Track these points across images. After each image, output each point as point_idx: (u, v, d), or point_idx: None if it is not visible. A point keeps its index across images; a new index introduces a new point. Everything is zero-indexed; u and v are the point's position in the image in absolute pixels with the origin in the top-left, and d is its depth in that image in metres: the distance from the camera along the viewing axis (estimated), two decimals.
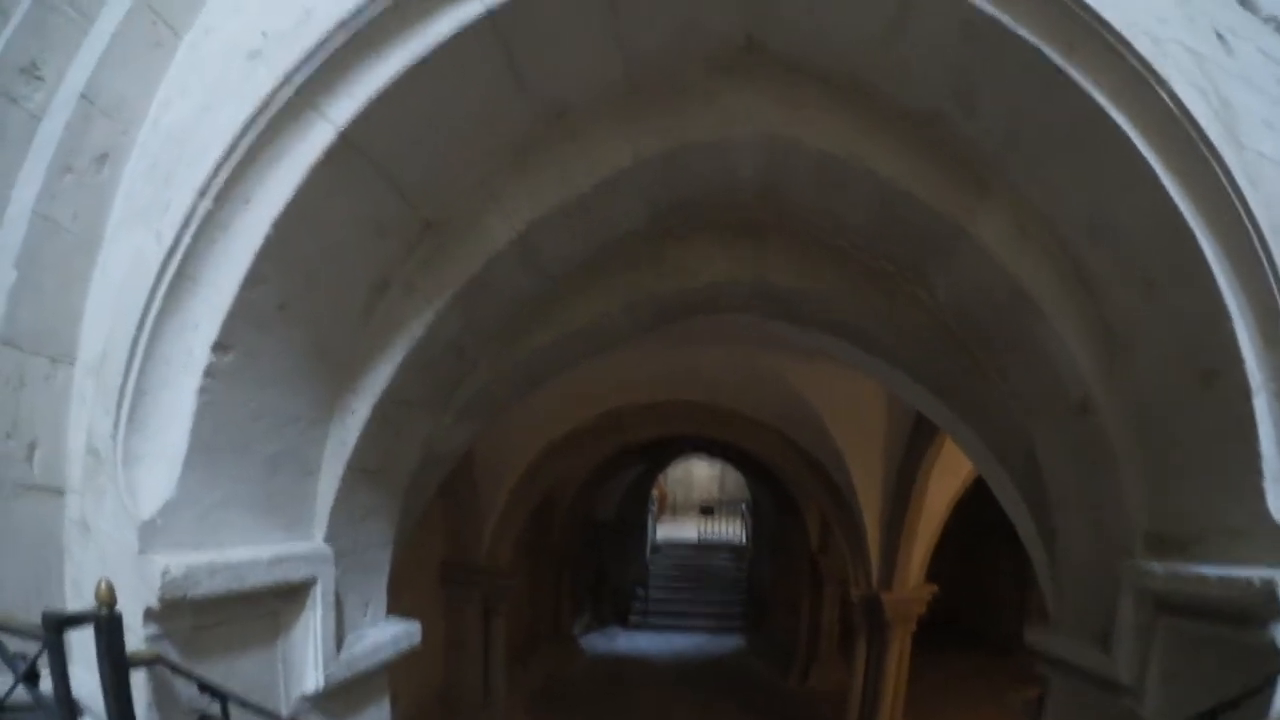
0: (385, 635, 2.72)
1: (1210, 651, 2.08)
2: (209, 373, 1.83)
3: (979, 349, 3.07)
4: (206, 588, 1.81)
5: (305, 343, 2.10)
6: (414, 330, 2.37)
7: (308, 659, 2.26)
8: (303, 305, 2.02)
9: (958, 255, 2.61)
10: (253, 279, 1.83)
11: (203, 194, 1.74)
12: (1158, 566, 2.25)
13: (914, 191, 2.43)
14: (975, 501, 8.48)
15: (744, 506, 21.26)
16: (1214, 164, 1.81)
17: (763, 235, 3.10)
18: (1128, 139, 1.88)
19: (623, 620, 16.99)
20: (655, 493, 20.36)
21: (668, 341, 6.53)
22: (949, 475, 8.16)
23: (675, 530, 22.89)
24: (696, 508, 26.02)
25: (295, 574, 2.15)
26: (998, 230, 2.42)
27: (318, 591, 2.24)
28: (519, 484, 8.57)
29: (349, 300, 2.20)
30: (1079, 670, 2.71)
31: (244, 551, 1.97)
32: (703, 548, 21.69)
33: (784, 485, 12.70)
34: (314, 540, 2.33)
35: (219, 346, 1.83)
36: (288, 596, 2.18)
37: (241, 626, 2.04)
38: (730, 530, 22.22)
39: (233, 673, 2.00)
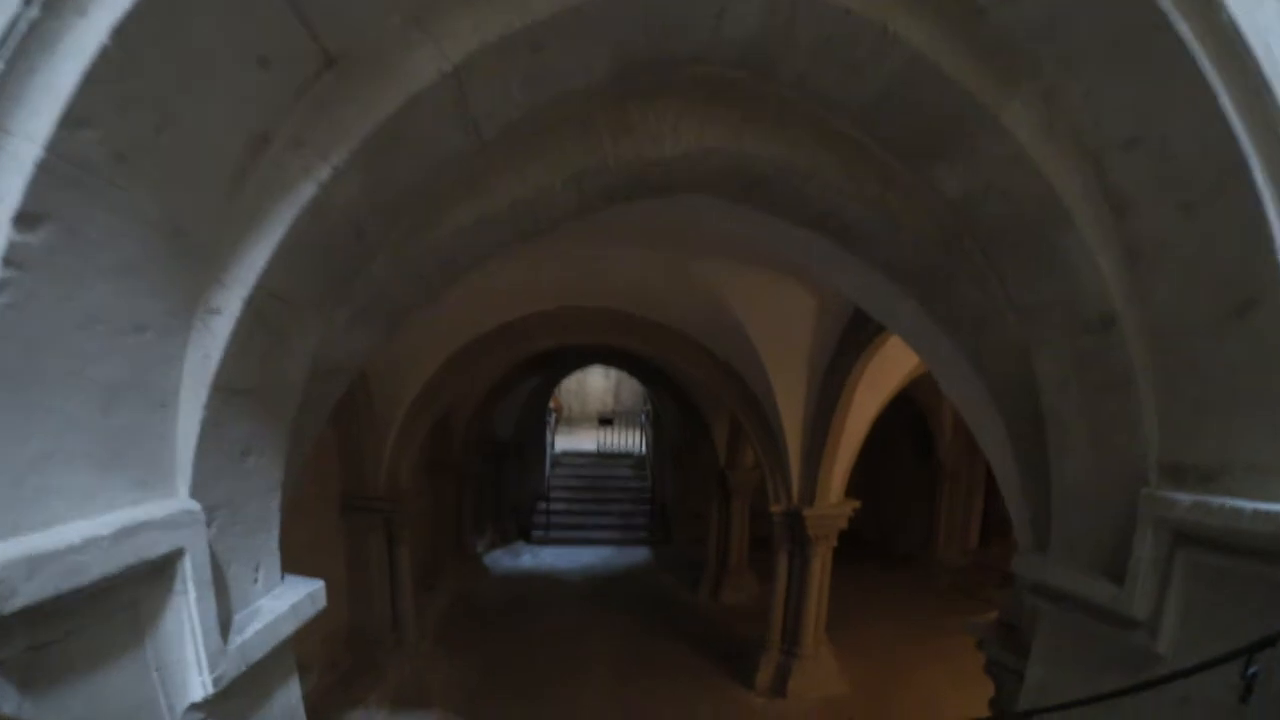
0: (284, 604, 2.22)
1: (1235, 586, 2.06)
2: (11, 259, 1.22)
3: (983, 253, 2.77)
4: (30, 593, 1.25)
5: (154, 215, 1.48)
6: (299, 199, 1.78)
7: (188, 660, 1.74)
8: (151, 160, 1.41)
9: (981, 144, 2.31)
10: (79, 114, 1.22)
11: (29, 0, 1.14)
12: (1182, 497, 2.15)
13: (944, 68, 2.10)
14: (883, 417, 8.43)
15: (643, 417, 21.22)
16: (1268, 98, 1.72)
17: (744, 105, 2.61)
18: (1190, 53, 1.74)
19: (526, 536, 16.71)
20: (552, 405, 19.95)
21: (578, 241, 6.06)
22: (873, 390, 8.02)
23: (573, 442, 22.61)
24: (593, 419, 25.81)
25: (154, 548, 1.58)
26: (1029, 124, 2.16)
27: (187, 567, 1.69)
28: (418, 401, 7.98)
29: (216, 157, 1.60)
30: (1083, 602, 2.58)
31: (77, 529, 1.39)
32: (603, 458, 21.48)
33: (690, 397, 12.47)
34: (177, 496, 1.74)
35: (25, 218, 1.21)
36: (149, 580, 1.63)
37: (95, 634, 1.49)
38: (629, 441, 22.10)
39: (97, 698, 1.48)
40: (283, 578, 2.34)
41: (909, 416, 13.94)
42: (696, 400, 12.41)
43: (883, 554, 14.83)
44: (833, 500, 8.46)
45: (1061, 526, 2.82)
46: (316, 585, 2.39)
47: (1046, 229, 2.32)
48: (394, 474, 8.04)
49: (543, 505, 17.30)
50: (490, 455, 15.64)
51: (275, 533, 2.29)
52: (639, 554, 16.05)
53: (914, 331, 3.79)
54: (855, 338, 7.32)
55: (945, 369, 3.73)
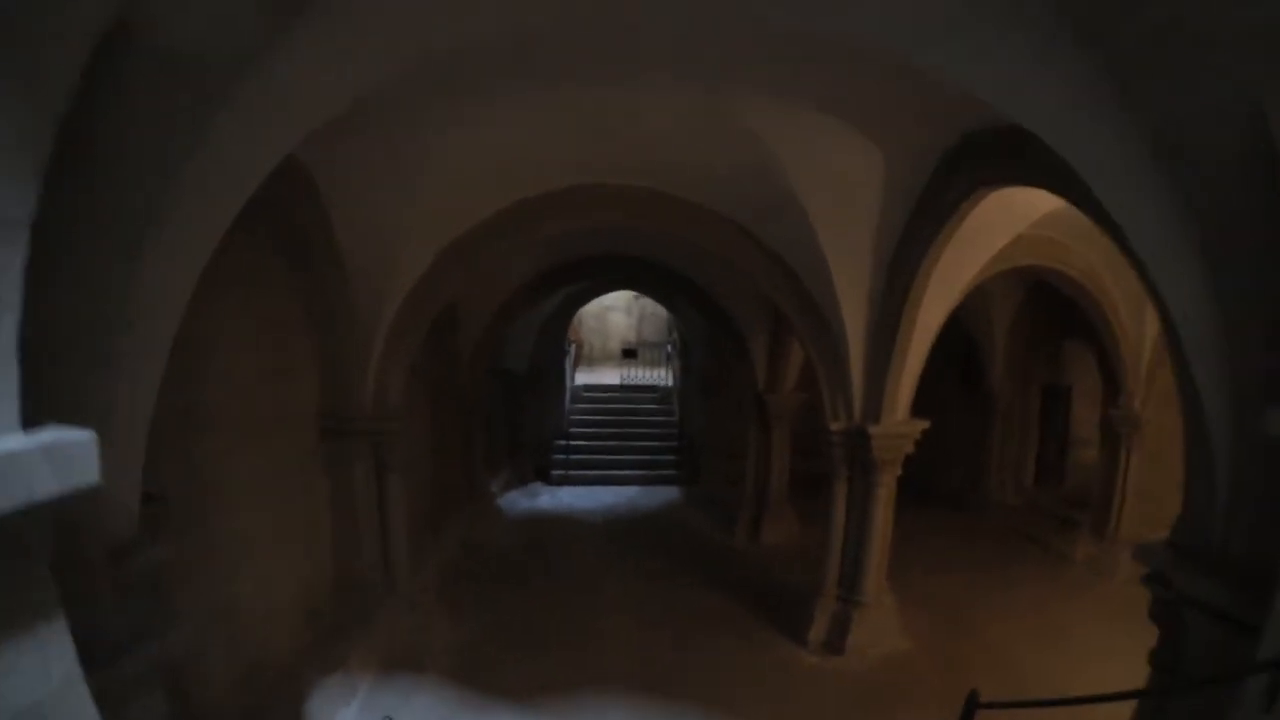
0: None
1: None
2: None
3: None
4: None
5: None
6: None
7: None
8: None
9: None
10: None
11: None
12: None
13: None
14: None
15: (668, 347, 20.38)
16: None
17: None
18: None
19: (545, 476, 15.80)
20: (571, 337, 18.95)
21: (590, 76, 4.94)
22: (944, 285, 6.86)
23: (594, 379, 21.72)
24: (614, 358, 25.39)
25: None
26: None
27: None
28: (410, 300, 6.85)
29: None
30: None
31: None
32: (627, 390, 20.55)
33: (724, 311, 11.41)
34: None
35: None
36: None
37: None
38: (654, 375, 21.38)
39: None
40: (32, 427, 1.24)
41: (955, 342, 12.76)
42: (731, 314, 11.32)
43: (926, 494, 13.64)
44: (900, 417, 7.31)
45: None
46: (78, 437, 1.27)
47: None
48: (382, 389, 6.92)
49: (562, 443, 16.38)
50: (505, 389, 14.72)
51: (10, 329, 1.18)
52: (666, 493, 15.15)
53: (1072, 109, 2.68)
54: (929, 211, 6.13)
55: (1092, 161, 2.66)
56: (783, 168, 5.96)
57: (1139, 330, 9.68)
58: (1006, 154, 5.00)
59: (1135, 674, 6.95)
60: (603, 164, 6.71)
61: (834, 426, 7.53)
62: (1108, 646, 7.84)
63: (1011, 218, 6.79)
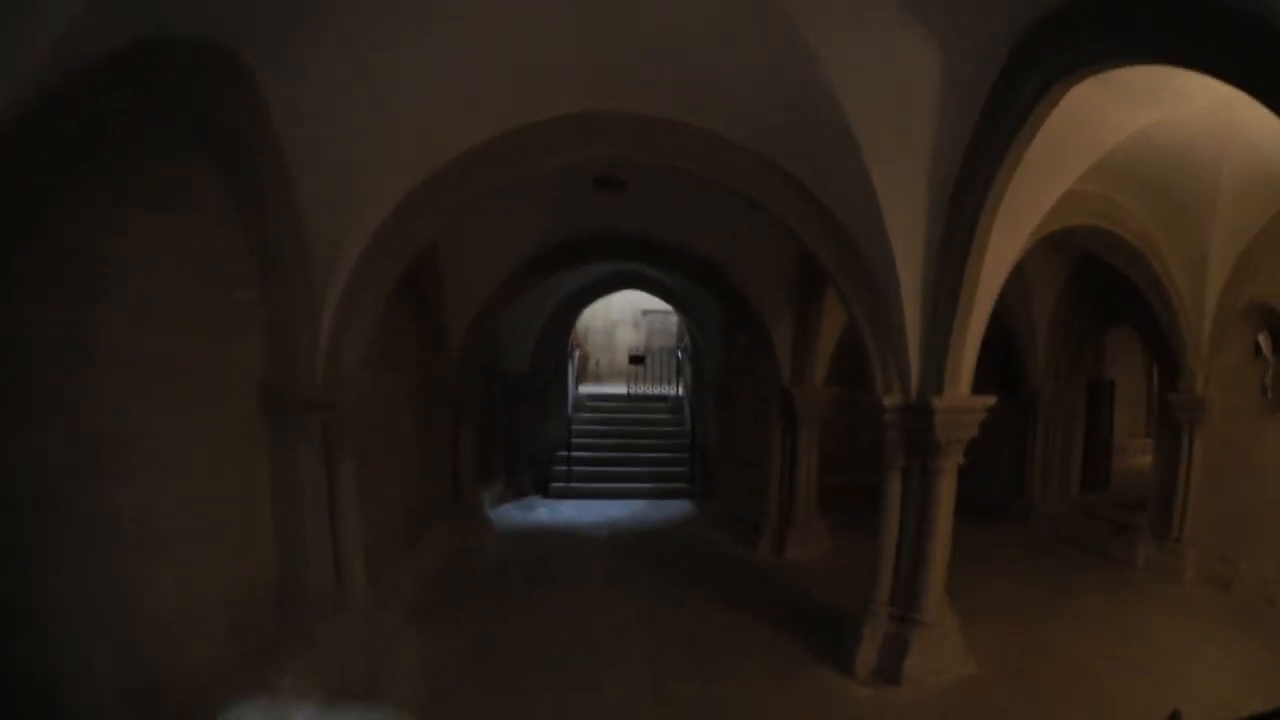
0: None
1: None
2: None
3: None
4: None
5: None
6: None
7: None
8: None
9: None
10: None
11: None
12: None
13: None
14: None
15: (679, 352, 19.56)
16: None
17: None
18: None
19: (543, 490, 14.69)
20: (574, 343, 18.16)
21: None
22: (1010, 233, 5.73)
23: (601, 389, 21.04)
24: (621, 375, 24.30)
25: None
26: None
27: None
28: (372, 247, 5.71)
29: None
30: None
31: None
32: (634, 401, 19.56)
33: (743, 295, 10.32)
34: None
35: None
36: None
37: None
38: (663, 389, 20.41)
39: None
40: None
41: (991, 337, 11.66)
42: (751, 298, 10.20)
43: (962, 505, 12.39)
44: (964, 389, 6.10)
45: None
46: None
47: None
48: (336, 353, 5.69)
49: (563, 453, 15.31)
50: (500, 392, 13.76)
51: None
52: (677, 507, 14.00)
53: None
54: (1000, 113, 4.88)
55: None
56: (820, 72, 4.84)
57: (1198, 300, 8.55)
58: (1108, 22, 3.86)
59: (1228, 682, 5.95)
60: (596, 81, 5.61)
61: (887, 402, 6.30)
62: (1192, 654, 6.95)
63: (1080, 147, 5.72)
